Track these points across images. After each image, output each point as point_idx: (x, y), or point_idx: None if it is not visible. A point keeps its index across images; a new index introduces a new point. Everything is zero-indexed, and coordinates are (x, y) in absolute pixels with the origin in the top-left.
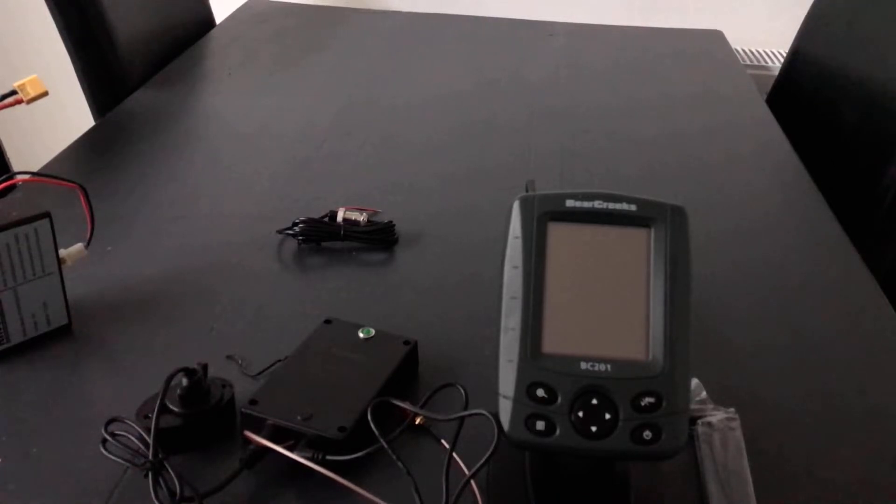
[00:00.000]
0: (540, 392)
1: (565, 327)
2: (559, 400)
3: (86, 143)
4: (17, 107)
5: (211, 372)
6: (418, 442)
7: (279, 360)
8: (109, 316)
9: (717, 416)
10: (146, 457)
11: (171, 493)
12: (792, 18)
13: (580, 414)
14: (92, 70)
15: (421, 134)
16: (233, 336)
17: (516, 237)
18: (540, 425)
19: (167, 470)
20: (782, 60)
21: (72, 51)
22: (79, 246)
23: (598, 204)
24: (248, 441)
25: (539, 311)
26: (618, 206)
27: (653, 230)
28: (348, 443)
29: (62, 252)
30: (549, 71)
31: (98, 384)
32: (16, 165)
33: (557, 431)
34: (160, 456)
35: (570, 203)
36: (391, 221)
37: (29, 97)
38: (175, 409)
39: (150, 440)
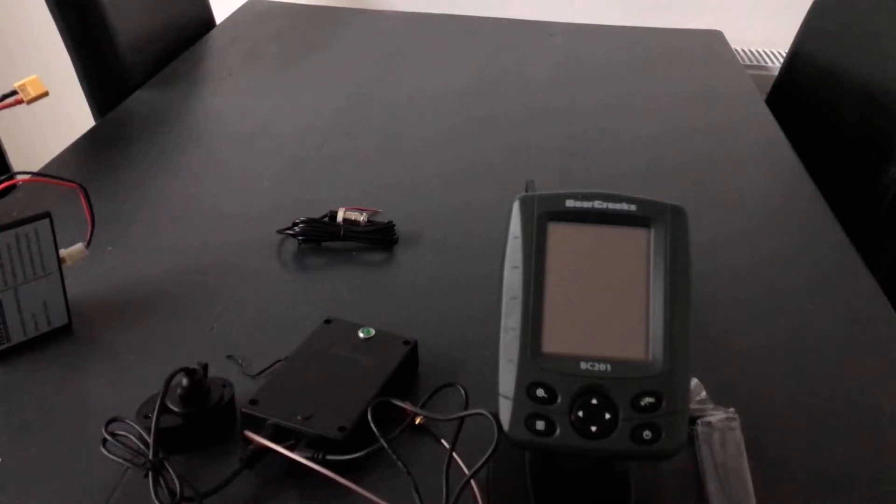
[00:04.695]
0: (540, 392)
1: (565, 327)
2: (559, 400)
3: (86, 143)
4: (18, 107)
5: (211, 372)
6: (418, 442)
7: (279, 360)
8: (109, 316)
9: (716, 415)
10: (146, 457)
11: (171, 493)
12: (792, 18)
13: (580, 414)
14: (92, 70)
15: (421, 134)
16: (233, 336)
17: (516, 237)
18: (540, 425)
19: (167, 470)
20: (782, 60)
21: (72, 51)
22: (79, 246)
23: (597, 204)
24: (248, 441)
25: (539, 311)
26: (617, 206)
27: (652, 230)
28: (348, 443)
29: (62, 252)
30: (548, 71)
31: (98, 384)
32: (16, 165)
33: (557, 431)
34: (160, 456)
35: (569, 203)
36: (391, 221)
37: (29, 97)
38: (175, 408)
39: (150, 440)
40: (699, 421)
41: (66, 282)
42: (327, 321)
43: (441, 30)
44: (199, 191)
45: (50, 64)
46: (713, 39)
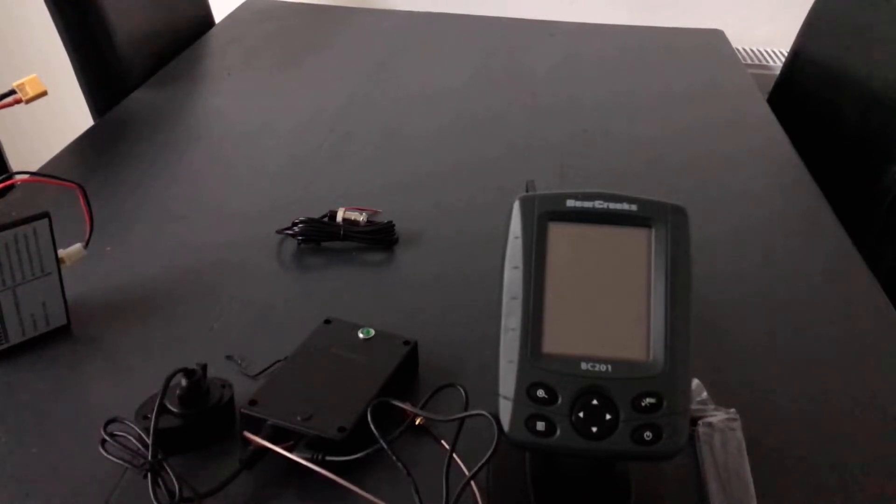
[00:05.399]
0: (540, 392)
1: (565, 328)
2: (559, 400)
3: (85, 142)
4: (17, 106)
5: (211, 372)
6: (418, 442)
7: (279, 360)
8: (109, 316)
9: (717, 416)
10: (145, 457)
11: (171, 494)
12: (793, 18)
13: (580, 414)
14: (91, 70)
15: (421, 133)
16: (233, 336)
17: (516, 237)
18: (540, 426)
19: (166, 470)
20: (783, 60)
21: (71, 50)
22: (78, 246)
23: (598, 204)
24: (248, 441)
25: (539, 312)
26: (618, 206)
27: (653, 230)
28: (348, 443)
29: (61, 252)
30: (549, 70)
31: (97, 384)
32: (15, 165)
33: (558, 432)
34: (159, 456)
35: (570, 203)
36: (391, 221)
37: (28, 97)
38: (174, 409)
39: (149, 440)
40: (700, 422)
41: (65, 282)
42: (327, 321)
43: (441, 29)
44: (199, 191)
45: (49, 63)
46: (714, 38)
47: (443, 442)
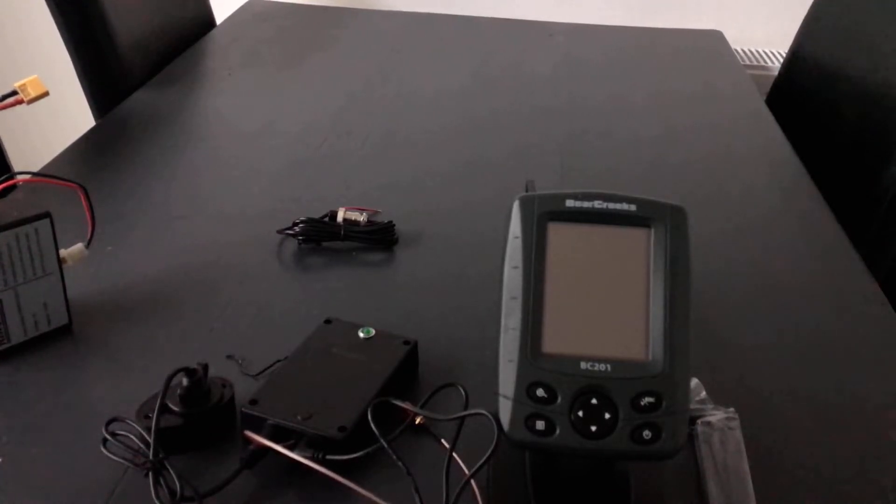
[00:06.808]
0: (540, 392)
1: (565, 327)
2: (559, 400)
3: (86, 143)
4: (18, 107)
5: (211, 372)
6: (418, 442)
7: (279, 360)
8: (109, 316)
9: (716, 415)
10: (146, 456)
11: (172, 493)
12: (792, 18)
13: (580, 414)
14: (92, 70)
15: (421, 133)
16: (233, 336)
17: (516, 237)
18: (540, 425)
19: (167, 470)
20: (782, 60)
21: (72, 51)
22: (79, 246)
23: (597, 204)
24: (248, 441)
25: (539, 311)
26: (618, 206)
27: (653, 230)
28: (348, 442)
29: (62, 252)
30: (548, 71)
31: (99, 384)
32: (16, 165)
33: (557, 431)
34: (160, 456)
35: (569, 203)
36: (391, 221)
37: (29, 97)
38: (175, 408)
39: (150, 440)
40: (699, 421)
41: (67, 282)
42: (327, 321)
43: (441, 30)
44: (200, 191)
45: (51, 64)
46: (713, 39)
47: (443, 441)
